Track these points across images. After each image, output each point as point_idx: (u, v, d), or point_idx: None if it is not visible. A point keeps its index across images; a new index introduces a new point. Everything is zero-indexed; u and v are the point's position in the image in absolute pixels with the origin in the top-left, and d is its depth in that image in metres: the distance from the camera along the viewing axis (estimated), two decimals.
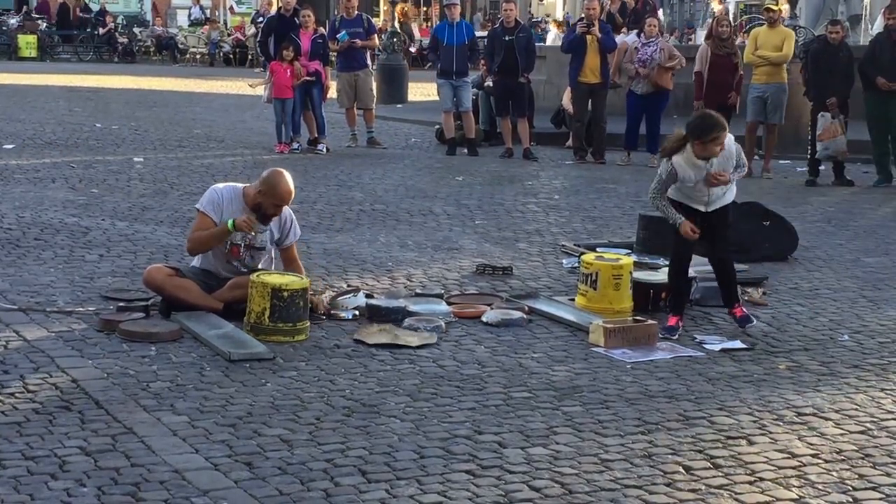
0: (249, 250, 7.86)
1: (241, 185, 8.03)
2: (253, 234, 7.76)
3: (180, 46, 40.28)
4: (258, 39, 18.96)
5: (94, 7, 43.75)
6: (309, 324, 7.37)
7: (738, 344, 7.46)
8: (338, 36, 17.28)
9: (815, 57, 14.84)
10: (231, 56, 39.14)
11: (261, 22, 36.61)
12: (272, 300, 7.21)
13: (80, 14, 42.13)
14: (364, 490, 5.01)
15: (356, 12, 17.82)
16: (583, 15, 16.99)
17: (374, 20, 21.60)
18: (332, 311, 7.81)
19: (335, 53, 17.69)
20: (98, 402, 5.99)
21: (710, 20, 21.06)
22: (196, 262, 7.97)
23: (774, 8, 15.73)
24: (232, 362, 6.71)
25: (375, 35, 18.61)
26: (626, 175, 15.29)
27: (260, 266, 7.88)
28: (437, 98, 18.69)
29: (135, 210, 11.51)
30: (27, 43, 39.68)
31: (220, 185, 8.09)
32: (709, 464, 5.42)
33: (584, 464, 5.37)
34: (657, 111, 16.31)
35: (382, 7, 43.37)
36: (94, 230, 10.39)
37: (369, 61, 18.04)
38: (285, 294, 7.23)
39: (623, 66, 16.51)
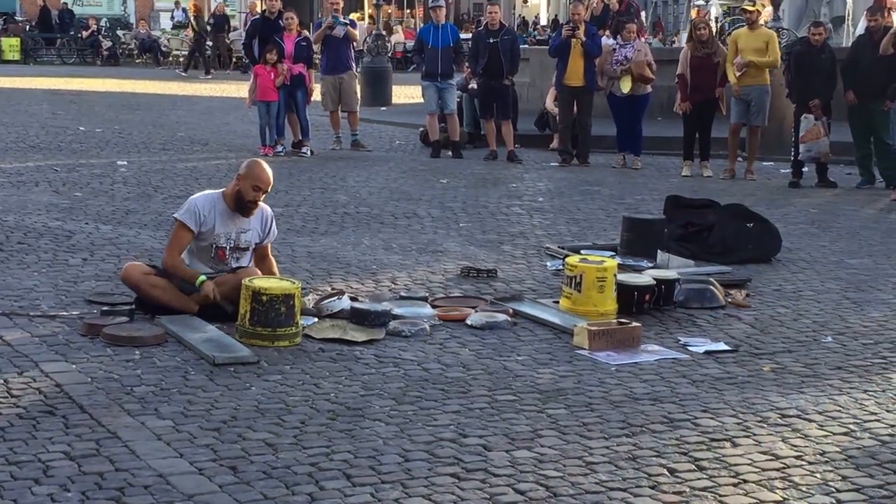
0: (235, 252, 7.89)
1: (218, 190, 8.05)
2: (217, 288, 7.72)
3: (163, 49, 40.23)
4: (242, 42, 18.92)
5: (78, 10, 43.73)
6: (298, 330, 7.29)
7: (721, 346, 7.47)
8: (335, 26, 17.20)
9: (798, 59, 14.88)
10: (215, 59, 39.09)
11: (210, 23, 36.96)
12: (252, 303, 7.20)
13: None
14: (349, 494, 5.01)
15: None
16: (569, 19, 17.04)
17: (358, 23, 21.58)
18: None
19: (318, 56, 17.68)
20: (82, 406, 5.98)
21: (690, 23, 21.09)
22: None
23: (750, 9, 15.75)
24: (216, 366, 6.70)
25: (356, 30, 18.60)
26: (611, 177, 15.32)
27: (243, 264, 7.90)
28: (421, 100, 18.71)
29: (118, 213, 11.48)
30: (10, 46, 39.64)
31: (198, 194, 8.09)
32: (693, 466, 5.43)
33: (569, 466, 5.37)
34: (638, 113, 16.35)
35: (367, 10, 43.37)
36: (78, 234, 10.37)
37: (353, 64, 18.04)
38: (264, 298, 7.18)
39: (603, 68, 16.51)
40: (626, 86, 15.96)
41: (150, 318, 7.58)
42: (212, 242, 7.84)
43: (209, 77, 33.63)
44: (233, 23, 40.29)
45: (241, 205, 7.82)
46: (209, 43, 36.77)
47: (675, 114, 16.09)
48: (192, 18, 37.14)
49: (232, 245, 7.87)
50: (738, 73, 15.12)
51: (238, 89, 25.62)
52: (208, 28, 36.94)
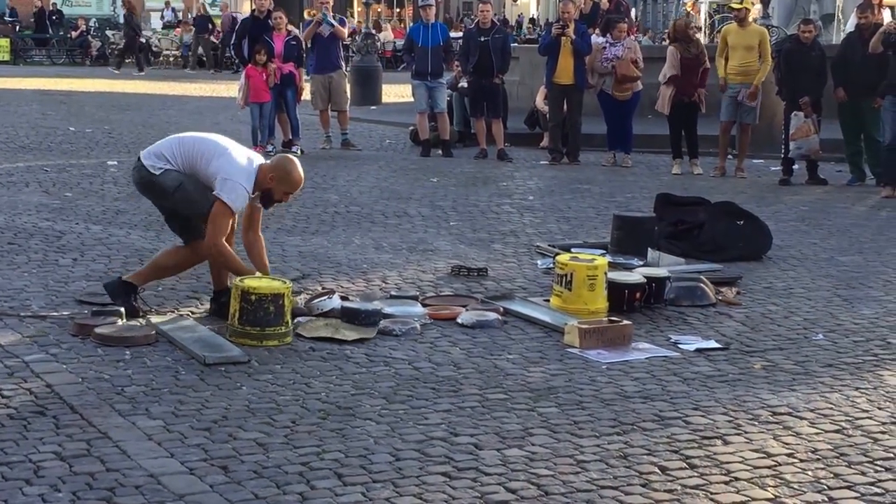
0: None
1: (254, 169, 7.60)
2: None
3: (153, 49, 40.17)
4: (232, 42, 18.91)
5: (67, 10, 43.70)
6: (287, 330, 7.25)
7: (712, 344, 7.47)
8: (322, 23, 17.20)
9: (788, 56, 14.90)
10: (204, 58, 39.08)
11: (191, 23, 37.25)
12: (241, 302, 7.18)
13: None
14: (340, 493, 5.00)
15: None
16: (558, 17, 17.04)
17: (347, 21, 21.58)
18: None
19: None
20: (73, 406, 5.96)
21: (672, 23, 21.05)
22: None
23: (737, 7, 15.74)
24: (207, 366, 6.68)
25: (345, 29, 18.61)
26: (601, 175, 15.32)
27: None
28: (411, 99, 18.71)
29: (109, 214, 11.46)
30: None
31: (241, 176, 7.47)
32: (684, 464, 5.43)
33: (560, 465, 5.37)
34: (628, 112, 16.36)
35: (356, 9, 43.37)
36: (68, 234, 10.35)
37: (342, 63, 18.03)
38: (253, 297, 7.15)
39: (593, 66, 16.49)
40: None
41: (142, 317, 7.58)
42: None
43: (142, 74, 34.14)
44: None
45: (266, 200, 7.74)
46: (142, 40, 37.16)
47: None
48: (123, 16, 37.39)
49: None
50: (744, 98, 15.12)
51: (228, 89, 25.59)
52: (141, 26, 37.48)
